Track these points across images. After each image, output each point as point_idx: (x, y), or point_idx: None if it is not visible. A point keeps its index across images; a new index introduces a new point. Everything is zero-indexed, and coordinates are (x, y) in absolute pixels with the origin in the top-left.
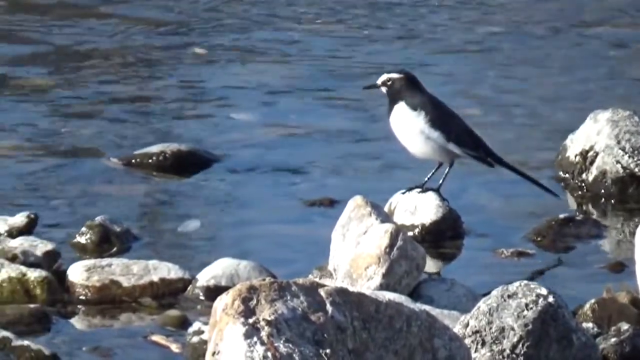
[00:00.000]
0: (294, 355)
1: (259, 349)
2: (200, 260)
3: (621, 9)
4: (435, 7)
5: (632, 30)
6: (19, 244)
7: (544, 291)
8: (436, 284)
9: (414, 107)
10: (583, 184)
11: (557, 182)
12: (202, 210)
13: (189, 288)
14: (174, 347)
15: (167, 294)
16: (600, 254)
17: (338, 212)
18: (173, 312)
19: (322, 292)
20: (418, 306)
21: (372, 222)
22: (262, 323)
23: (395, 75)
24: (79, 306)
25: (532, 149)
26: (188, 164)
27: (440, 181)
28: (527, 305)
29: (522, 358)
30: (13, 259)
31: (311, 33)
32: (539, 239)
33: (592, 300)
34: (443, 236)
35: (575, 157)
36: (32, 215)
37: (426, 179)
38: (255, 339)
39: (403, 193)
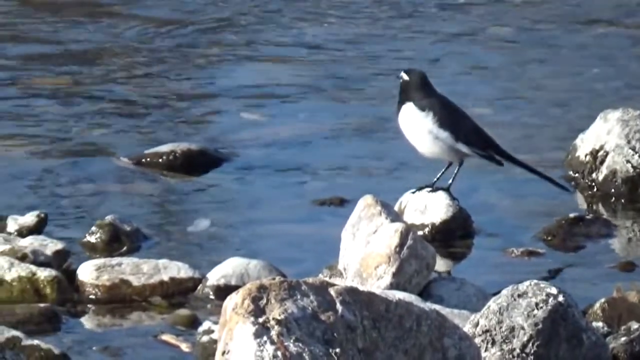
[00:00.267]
0: (304, 354)
1: (269, 348)
2: (210, 260)
3: (633, 8)
4: (446, 6)
5: None
6: (29, 243)
7: (554, 290)
8: (446, 283)
9: (422, 108)
10: (593, 184)
11: (568, 181)
12: (212, 209)
13: (199, 287)
14: (184, 347)
15: (177, 293)
16: (610, 254)
17: (348, 211)
18: (183, 312)
19: (332, 291)
20: (428, 305)
21: (382, 221)
22: (272, 322)
23: (404, 75)
24: (88, 305)
25: (543, 148)
26: (198, 163)
27: (450, 180)
28: (537, 304)
29: (532, 357)
30: (23, 258)
31: (321, 32)
32: (549, 238)
33: (602, 300)
34: (453, 235)
35: (586, 156)
36: (42, 215)
37: (436, 178)
38: (265, 338)
39: (413, 192)
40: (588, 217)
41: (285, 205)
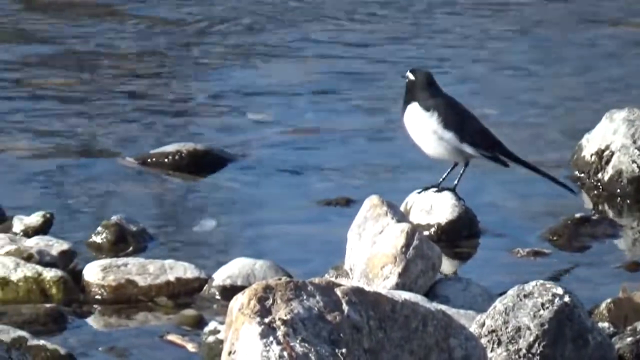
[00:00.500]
0: (310, 354)
1: (275, 349)
2: (216, 260)
3: (637, 8)
4: (451, 8)
5: None
6: (34, 243)
7: (560, 291)
8: (452, 284)
9: (427, 108)
10: (599, 184)
11: (573, 181)
12: (218, 209)
13: (205, 287)
14: (190, 347)
15: (183, 294)
16: (616, 254)
17: (354, 212)
18: (189, 312)
19: (338, 291)
20: (434, 306)
21: (388, 221)
22: (278, 322)
23: (410, 75)
24: (94, 306)
25: (548, 148)
26: (204, 163)
27: (456, 181)
28: (543, 304)
29: (538, 357)
30: (29, 258)
31: (328, 32)
32: (555, 238)
33: (608, 300)
34: (459, 236)
35: (591, 156)
36: (48, 215)
37: (442, 178)
38: (271, 338)
39: (419, 192)
40: (594, 217)
41: (291, 205)
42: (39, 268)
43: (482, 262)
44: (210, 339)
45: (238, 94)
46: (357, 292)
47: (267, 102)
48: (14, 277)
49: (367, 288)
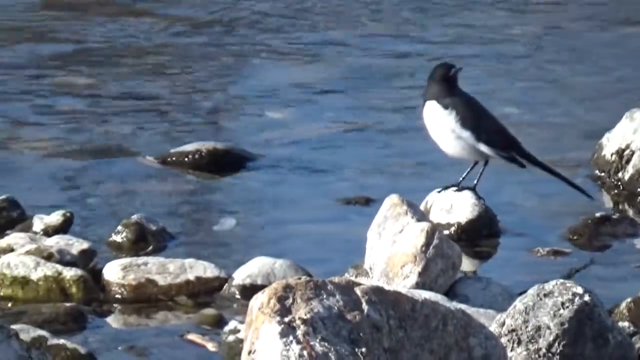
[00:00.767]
0: (330, 354)
1: (295, 348)
2: (236, 259)
3: None
4: (472, 6)
5: None
6: (54, 242)
7: (580, 290)
8: (472, 283)
9: (445, 106)
10: (619, 183)
11: (593, 180)
12: (238, 208)
13: (224, 287)
14: (210, 346)
15: (203, 293)
16: (636, 253)
17: (374, 211)
18: (209, 311)
19: (357, 290)
20: (454, 305)
21: (408, 220)
22: (298, 322)
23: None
24: (114, 305)
25: (568, 147)
26: (224, 162)
27: (476, 180)
28: (563, 304)
29: (558, 357)
30: (49, 257)
31: (348, 31)
32: (575, 237)
33: (628, 299)
34: (479, 235)
35: (612, 155)
36: (68, 214)
37: (462, 177)
38: (291, 337)
39: (439, 192)
40: (614, 216)
41: (311, 204)
42: (59, 267)
43: (502, 262)
44: (230, 338)
45: (258, 93)
46: (377, 291)
47: (287, 101)
48: (34, 276)
49: (387, 287)
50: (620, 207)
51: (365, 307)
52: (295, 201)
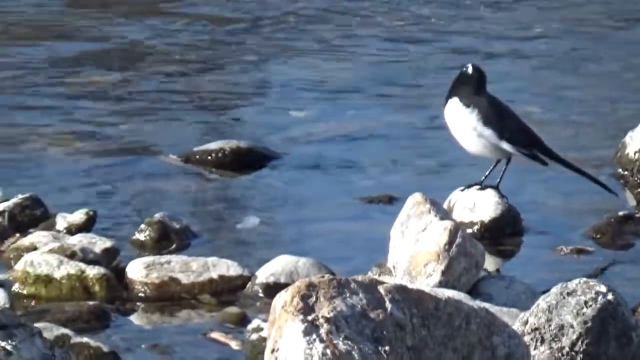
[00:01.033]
0: (353, 352)
1: (318, 346)
2: (259, 257)
3: None
4: (493, 6)
5: None
6: (77, 241)
7: (603, 289)
8: (495, 281)
9: (467, 104)
10: None
11: (617, 179)
12: (261, 207)
13: (248, 285)
14: (234, 345)
15: (226, 291)
16: None
17: (397, 209)
18: (232, 309)
19: (381, 289)
20: (477, 303)
21: (431, 219)
22: (321, 320)
23: (469, 68)
24: (137, 303)
25: (591, 146)
26: (247, 160)
27: (499, 178)
28: (586, 302)
29: (581, 355)
30: (72, 256)
31: (370, 31)
32: (598, 236)
33: None
34: (502, 233)
35: (635, 154)
36: (91, 212)
37: (484, 176)
38: (314, 336)
39: (462, 190)
40: (638, 215)
41: (334, 203)
42: (82, 265)
43: (525, 260)
44: (254, 336)
45: (281, 92)
46: (400, 289)
47: (310, 100)
48: (57, 274)
49: (410, 286)
50: None
51: (388, 305)
52: (318, 199)
